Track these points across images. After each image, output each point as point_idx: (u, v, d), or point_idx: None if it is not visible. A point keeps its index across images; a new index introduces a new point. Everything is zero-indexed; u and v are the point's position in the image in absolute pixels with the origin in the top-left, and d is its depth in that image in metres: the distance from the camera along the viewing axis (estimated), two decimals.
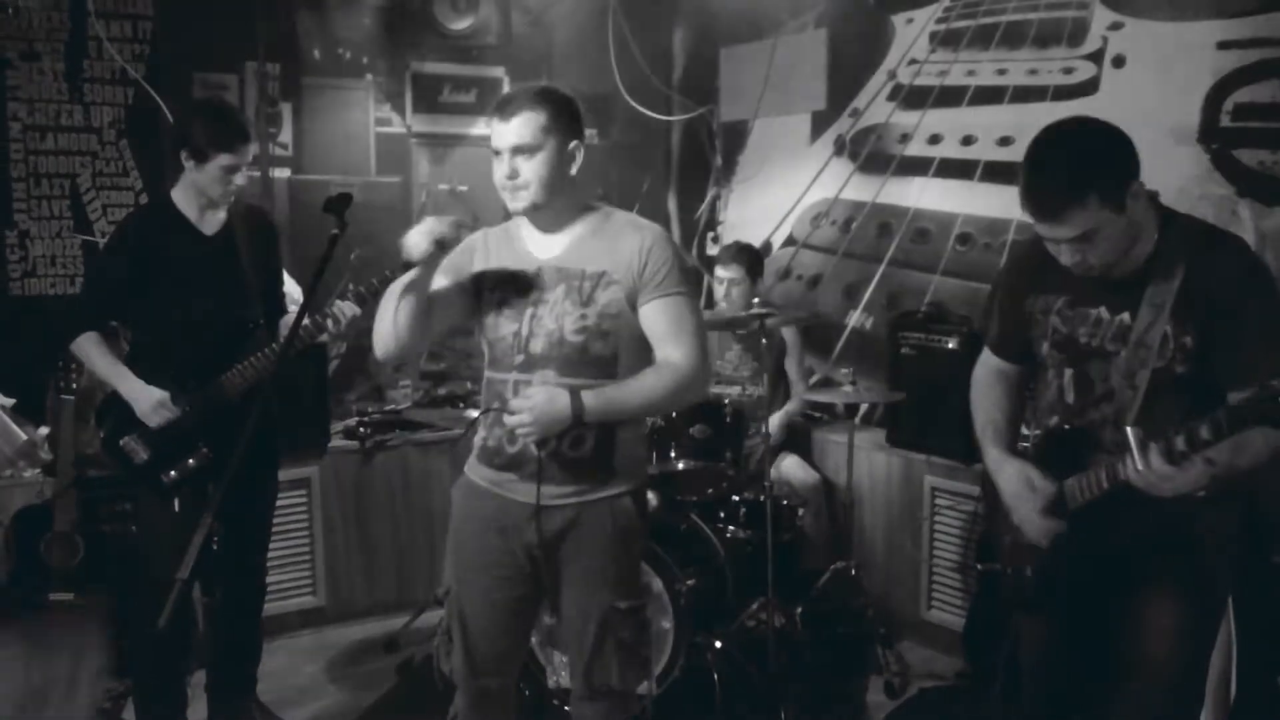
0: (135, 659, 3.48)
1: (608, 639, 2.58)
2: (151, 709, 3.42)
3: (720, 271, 4.44)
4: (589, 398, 2.39)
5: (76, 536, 3.77)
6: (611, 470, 2.55)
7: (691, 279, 2.53)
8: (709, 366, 2.52)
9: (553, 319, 2.48)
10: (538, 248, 2.55)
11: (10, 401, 4.08)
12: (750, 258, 4.53)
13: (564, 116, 2.46)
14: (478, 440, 2.63)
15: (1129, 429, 2.05)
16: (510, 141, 2.44)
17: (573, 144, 2.48)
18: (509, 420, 2.41)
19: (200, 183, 3.24)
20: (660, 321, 2.47)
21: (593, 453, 2.52)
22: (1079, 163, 2.14)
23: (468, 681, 2.69)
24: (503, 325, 2.55)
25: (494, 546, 2.60)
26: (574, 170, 2.50)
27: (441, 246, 2.39)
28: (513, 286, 2.54)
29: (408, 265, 2.41)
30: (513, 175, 2.45)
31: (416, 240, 2.38)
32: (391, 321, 2.49)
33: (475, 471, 2.65)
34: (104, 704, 3.74)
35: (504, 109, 2.45)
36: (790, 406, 4.63)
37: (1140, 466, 2.03)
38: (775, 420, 4.48)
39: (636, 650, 2.65)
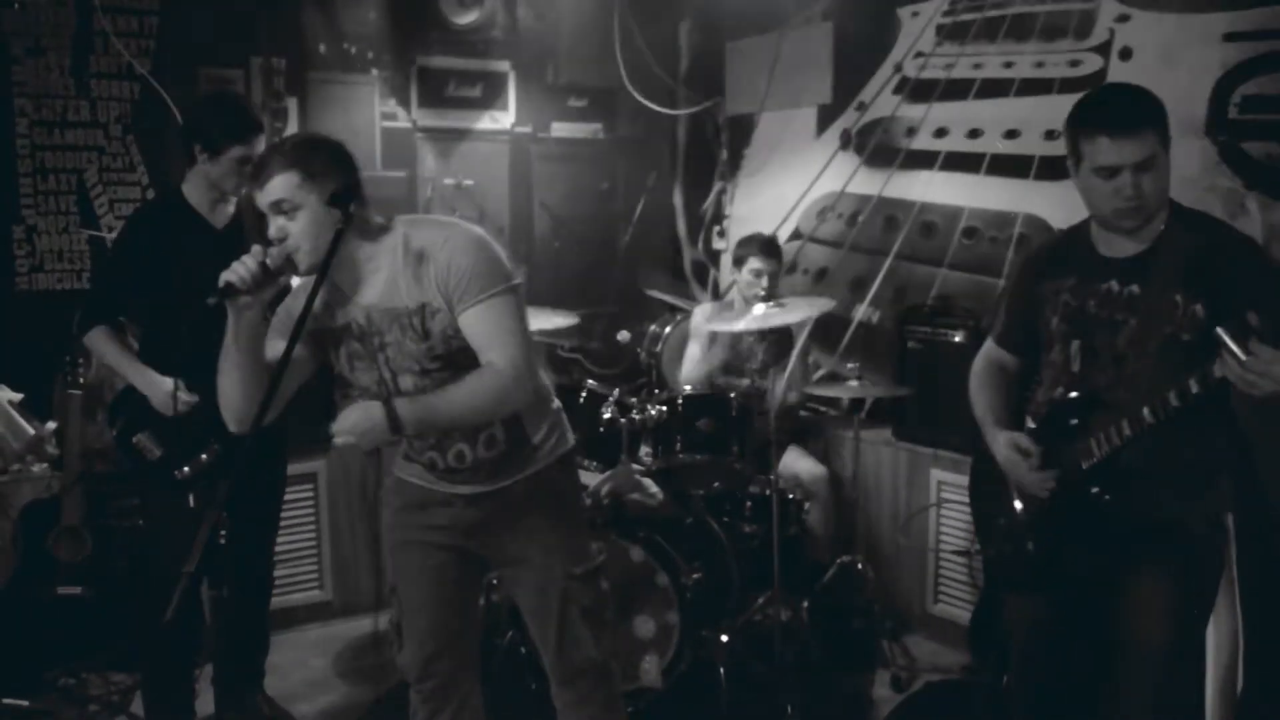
0: (144, 652, 3.49)
1: (571, 608, 2.61)
2: (160, 702, 3.43)
3: (756, 263, 4.42)
4: (403, 407, 2.31)
5: (84, 531, 3.78)
6: (533, 447, 2.58)
7: (503, 273, 2.40)
8: (532, 366, 2.41)
9: (404, 357, 2.43)
10: (359, 293, 2.44)
11: (18, 396, 4.10)
12: (778, 248, 4.57)
13: (320, 169, 2.34)
14: (402, 448, 2.65)
15: (1219, 328, 2.10)
16: (267, 201, 2.35)
17: (338, 187, 2.34)
18: (333, 429, 2.35)
19: (214, 175, 3.26)
20: (475, 329, 2.38)
21: (508, 444, 2.54)
22: (1149, 94, 2.37)
23: (421, 672, 2.71)
24: (361, 376, 2.50)
25: (430, 539, 2.64)
26: (350, 209, 2.34)
27: (268, 272, 2.27)
28: (353, 338, 2.47)
29: (227, 291, 2.23)
30: (281, 236, 2.33)
31: (238, 266, 2.26)
32: (238, 395, 2.36)
33: (402, 470, 2.68)
34: (112, 697, 3.76)
35: (258, 175, 2.36)
36: (791, 396, 4.60)
37: (1244, 357, 2.04)
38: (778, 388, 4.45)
39: (600, 615, 2.67)
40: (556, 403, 2.70)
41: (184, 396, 3.21)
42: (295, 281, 2.54)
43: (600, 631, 2.67)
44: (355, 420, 2.32)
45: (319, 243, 2.33)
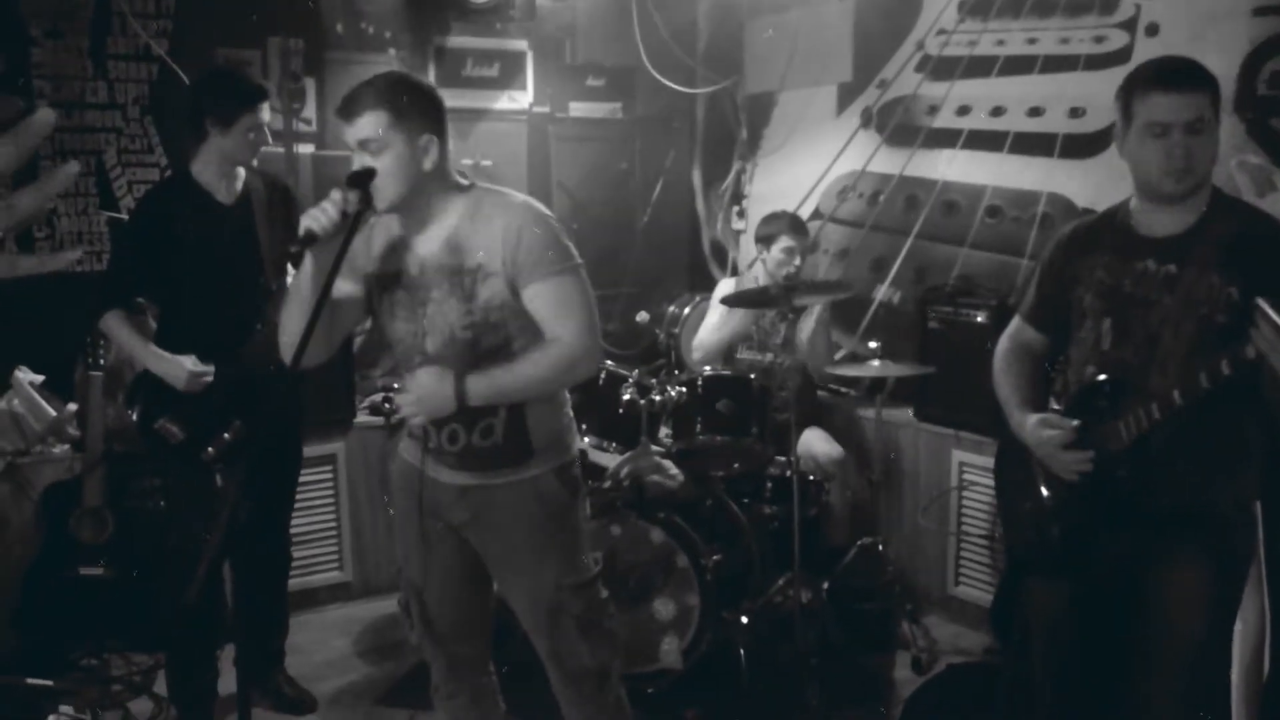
0: (166, 633, 3.50)
1: (563, 618, 2.58)
2: (183, 682, 3.45)
3: (788, 241, 4.40)
4: (473, 382, 2.34)
5: (106, 512, 3.80)
6: (529, 451, 2.54)
7: (570, 252, 2.44)
8: (598, 341, 2.46)
9: (442, 317, 2.43)
10: (418, 243, 2.46)
11: (39, 378, 4.11)
12: (805, 225, 4.56)
13: (410, 112, 2.35)
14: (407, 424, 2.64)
15: (1259, 300, 2.10)
16: (355, 139, 2.35)
17: (424, 138, 2.36)
18: (398, 403, 2.38)
19: (227, 148, 3.27)
20: (544, 305, 2.40)
21: (504, 439, 2.51)
22: (1204, 66, 2.37)
23: (435, 651, 2.72)
24: (399, 327, 2.51)
25: (430, 525, 2.63)
26: (429, 165, 2.37)
27: (345, 217, 2.29)
28: (401, 286, 2.48)
29: (309, 239, 2.27)
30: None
31: (318, 213, 2.28)
32: (300, 330, 2.34)
33: (406, 451, 2.66)
34: (134, 677, 3.78)
35: (346, 109, 2.36)
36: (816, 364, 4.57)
37: None
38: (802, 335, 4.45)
39: (598, 624, 2.63)
40: (570, 414, 2.67)
41: (198, 368, 3.22)
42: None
43: (597, 640, 2.62)
44: (425, 392, 2.34)
45: (401, 183, 2.35)
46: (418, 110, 2.37)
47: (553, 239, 2.41)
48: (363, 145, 2.35)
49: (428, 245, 2.45)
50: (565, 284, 2.41)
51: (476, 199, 2.45)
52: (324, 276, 2.32)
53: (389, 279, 2.50)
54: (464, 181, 2.49)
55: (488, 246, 2.39)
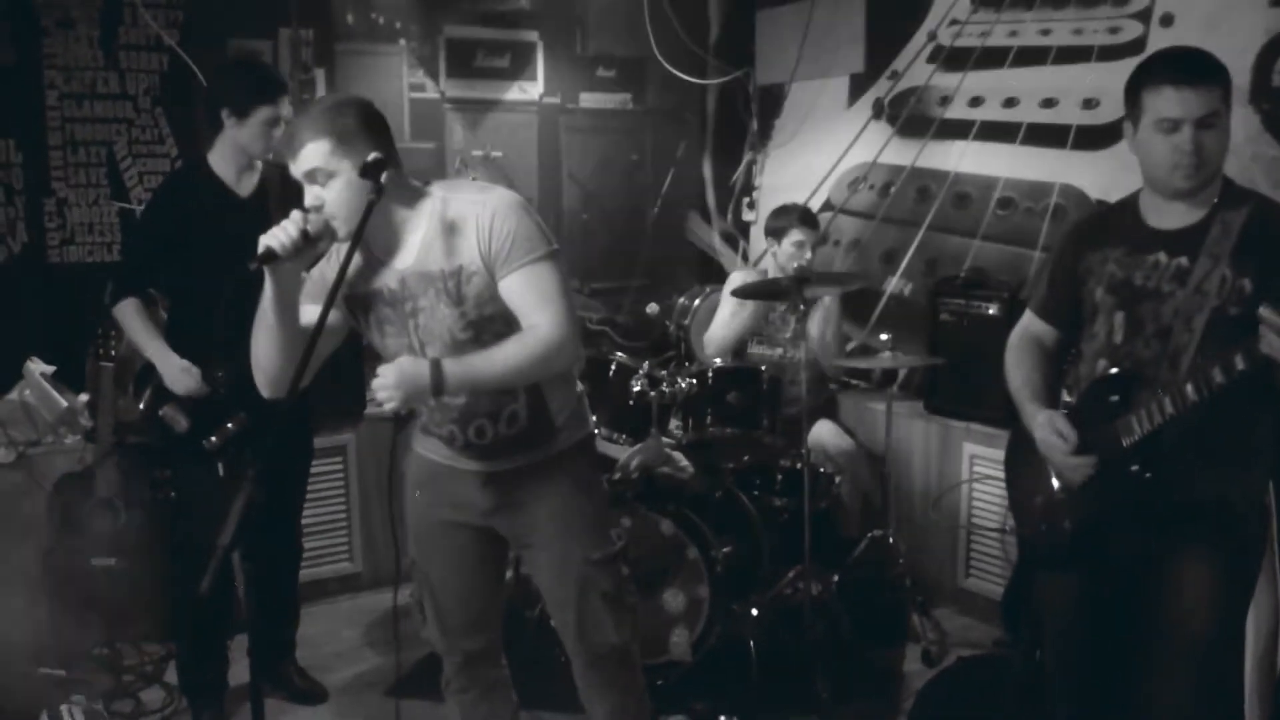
0: (178, 623, 3.51)
1: (591, 594, 2.58)
2: (194, 672, 3.47)
3: (798, 235, 4.38)
4: (450, 368, 2.28)
5: (118, 503, 3.80)
6: (553, 428, 2.55)
7: (545, 238, 2.38)
8: (576, 330, 2.41)
9: (436, 323, 2.40)
10: (392, 257, 2.41)
11: (50, 369, 4.12)
12: (815, 218, 4.54)
13: (352, 134, 2.28)
14: (421, 420, 2.60)
15: (1262, 307, 2.06)
16: (301, 172, 2.30)
17: (370, 157, 2.28)
18: (375, 385, 2.30)
19: (242, 140, 3.26)
20: (518, 295, 2.36)
21: (529, 425, 2.51)
22: (1215, 57, 2.35)
23: (449, 647, 2.72)
24: (392, 343, 2.46)
25: (450, 517, 2.62)
26: (381, 180, 2.28)
27: (308, 239, 2.23)
28: (383, 303, 2.44)
29: (268, 256, 2.19)
30: (317, 205, 2.28)
31: (278, 231, 2.21)
32: (272, 358, 2.35)
33: (422, 445, 2.65)
34: (146, 667, 3.79)
35: (288, 144, 2.32)
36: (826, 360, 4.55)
37: None
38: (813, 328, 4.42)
39: (622, 600, 2.64)
40: (580, 387, 2.67)
41: (191, 371, 3.22)
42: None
43: (621, 616, 2.64)
44: (401, 377, 2.26)
45: (355, 209, 2.28)
46: (360, 130, 2.31)
47: (526, 227, 2.36)
48: (310, 177, 2.29)
49: (404, 258, 2.40)
50: (540, 272, 2.36)
51: (442, 201, 2.39)
52: (287, 299, 2.30)
53: (369, 298, 2.46)
54: (419, 186, 2.44)
55: (463, 247, 2.35)
